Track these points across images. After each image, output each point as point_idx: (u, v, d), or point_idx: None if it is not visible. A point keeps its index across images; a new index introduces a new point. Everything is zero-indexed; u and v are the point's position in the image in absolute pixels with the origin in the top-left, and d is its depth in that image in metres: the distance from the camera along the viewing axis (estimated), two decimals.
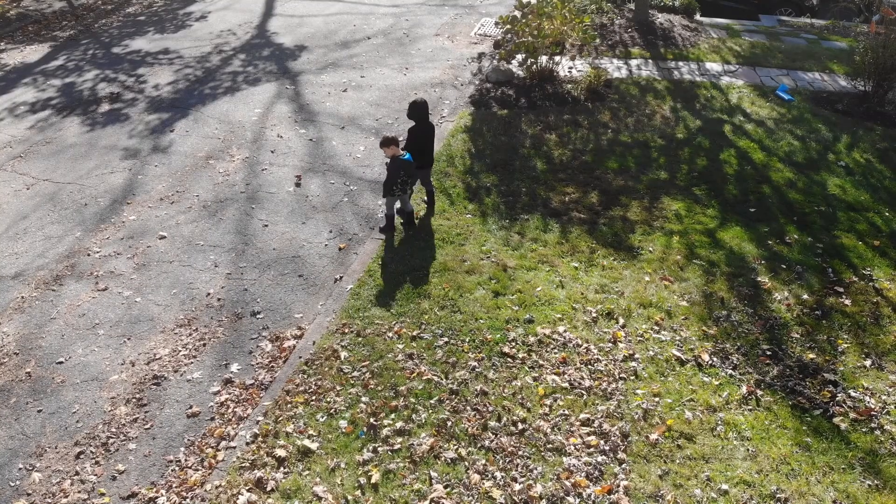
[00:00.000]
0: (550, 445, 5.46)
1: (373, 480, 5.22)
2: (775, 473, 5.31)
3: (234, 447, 5.63)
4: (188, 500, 5.27)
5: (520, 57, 11.50)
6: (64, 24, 15.58)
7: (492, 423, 5.66)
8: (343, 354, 6.41)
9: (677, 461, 5.38)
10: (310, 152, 9.97)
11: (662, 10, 14.86)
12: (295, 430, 5.69)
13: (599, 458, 5.35)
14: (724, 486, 5.17)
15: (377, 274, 7.42)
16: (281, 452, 5.47)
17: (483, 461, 5.34)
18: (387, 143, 7.60)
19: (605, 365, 6.23)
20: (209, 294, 7.38)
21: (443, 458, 5.37)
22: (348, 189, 9.10)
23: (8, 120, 11.16)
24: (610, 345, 6.47)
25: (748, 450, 5.49)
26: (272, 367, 6.50)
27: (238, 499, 5.15)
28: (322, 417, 5.79)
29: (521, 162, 9.45)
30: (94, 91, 12.07)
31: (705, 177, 9.16)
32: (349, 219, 8.52)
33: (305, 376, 6.21)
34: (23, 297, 7.40)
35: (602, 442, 5.49)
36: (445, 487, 5.14)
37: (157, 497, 5.32)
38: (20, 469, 5.62)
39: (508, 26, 11.35)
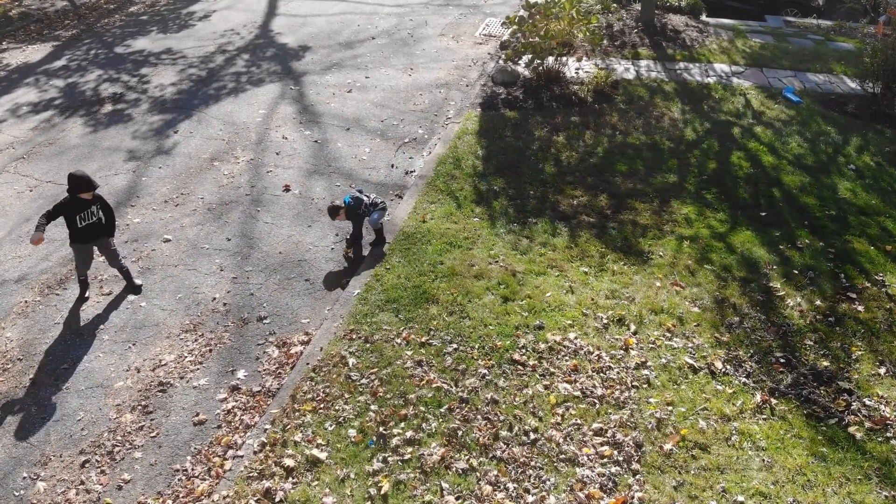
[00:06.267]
0: (563, 456, 5.38)
1: (383, 491, 5.14)
2: (791, 484, 5.23)
3: (242, 456, 5.55)
4: None
5: (526, 58, 11.40)
6: (66, 24, 15.48)
7: (503, 433, 5.58)
8: (351, 361, 6.32)
9: (692, 472, 5.29)
10: (314, 154, 9.89)
11: (668, 11, 14.76)
12: (303, 438, 5.61)
13: (613, 469, 5.27)
14: (740, 498, 5.09)
15: (384, 278, 7.34)
16: (289, 462, 5.39)
17: (495, 472, 5.26)
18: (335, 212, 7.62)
19: (618, 373, 6.15)
20: (215, 299, 7.30)
21: (454, 469, 5.29)
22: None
23: (10, 121, 11.07)
24: (622, 352, 6.38)
25: (763, 460, 5.41)
26: (279, 373, 6.42)
27: None
28: (330, 426, 5.71)
29: (529, 164, 9.37)
30: (97, 91, 11.98)
31: (715, 180, 9.07)
32: None
33: (313, 383, 6.13)
34: (26, 302, 7.32)
35: (615, 452, 5.41)
36: (457, 499, 5.06)
37: None
38: (24, 478, 5.53)
39: (515, 27, 11.26)
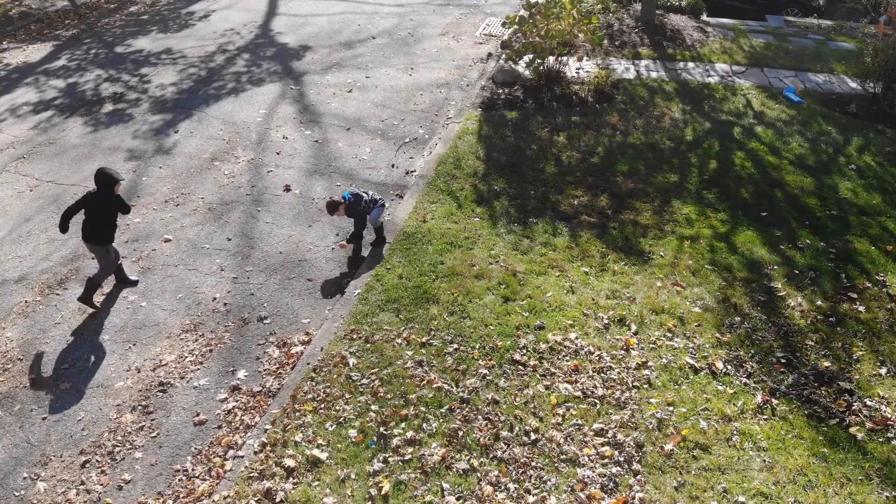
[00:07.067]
0: (564, 456, 5.38)
1: (383, 492, 5.13)
2: (792, 485, 5.23)
3: (242, 456, 5.54)
4: None
5: (527, 58, 11.39)
6: (67, 23, 15.47)
7: (504, 433, 5.57)
8: (352, 361, 6.32)
9: (693, 472, 5.29)
10: (315, 154, 9.88)
11: (669, 11, 14.75)
12: (304, 439, 5.60)
13: (614, 470, 5.27)
14: (741, 499, 5.09)
15: (385, 278, 7.33)
16: (290, 462, 5.38)
17: (496, 472, 5.26)
18: (334, 207, 7.54)
19: (618, 373, 6.14)
20: (215, 299, 7.29)
21: (454, 469, 5.29)
22: None
23: (10, 120, 11.07)
24: (622, 352, 6.38)
25: (764, 461, 5.40)
26: (280, 373, 6.41)
27: None
28: (331, 426, 5.70)
29: (529, 164, 9.36)
30: (97, 91, 11.97)
31: (716, 180, 9.06)
32: None
33: (314, 383, 6.12)
34: (26, 302, 7.31)
35: (616, 452, 5.40)
36: (458, 499, 5.06)
37: None
38: (25, 478, 5.53)
39: (516, 26, 11.25)
